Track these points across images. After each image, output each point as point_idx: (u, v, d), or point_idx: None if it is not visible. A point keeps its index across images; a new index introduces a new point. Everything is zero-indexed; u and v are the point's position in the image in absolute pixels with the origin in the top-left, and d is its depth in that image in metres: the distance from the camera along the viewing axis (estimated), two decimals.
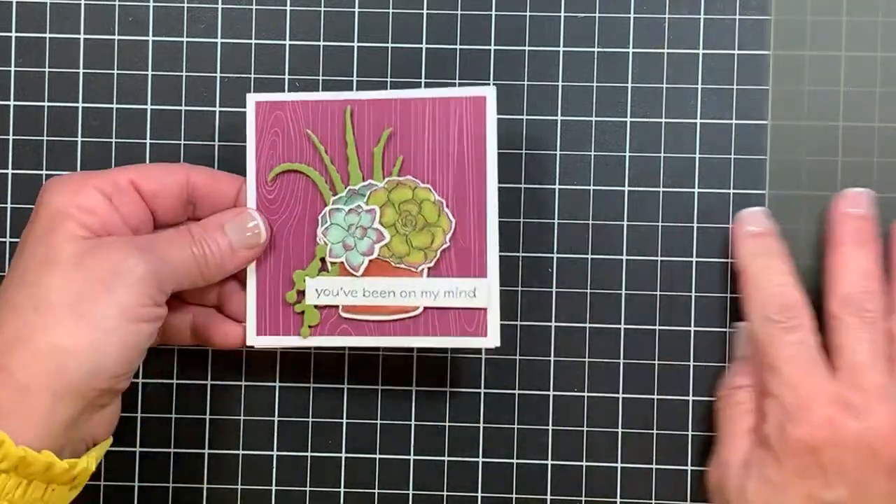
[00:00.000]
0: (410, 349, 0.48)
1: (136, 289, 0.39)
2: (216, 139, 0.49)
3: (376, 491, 0.49)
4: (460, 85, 0.48)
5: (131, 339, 0.39)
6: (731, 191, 0.48)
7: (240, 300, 0.45)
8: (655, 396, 0.48)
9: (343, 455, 0.49)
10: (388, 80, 0.49)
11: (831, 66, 0.48)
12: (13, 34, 0.49)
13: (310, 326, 0.44)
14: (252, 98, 0.44)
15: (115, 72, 0.49)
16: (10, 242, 0.49)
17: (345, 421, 0.49)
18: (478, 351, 0.48)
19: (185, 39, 0.49)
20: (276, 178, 0.44)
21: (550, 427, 0.48)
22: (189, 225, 0.43)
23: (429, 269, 0.44)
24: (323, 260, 0.44)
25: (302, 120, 0.44)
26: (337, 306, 0.44)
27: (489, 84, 0.44)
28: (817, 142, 0.48)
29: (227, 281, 0.45)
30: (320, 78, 0.49)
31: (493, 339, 0.44)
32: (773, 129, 0.48)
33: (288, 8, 0.49)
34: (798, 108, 0.48)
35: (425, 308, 0.44)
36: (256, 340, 0.45)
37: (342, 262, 0.44)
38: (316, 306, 0.44)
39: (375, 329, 0.44)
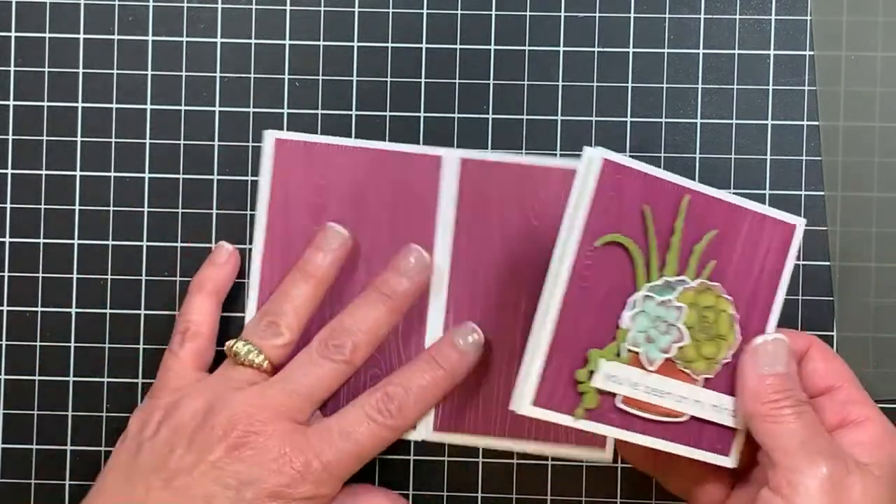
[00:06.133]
0: None
1: None
2: (216, 139, 0.49)
3: None
4: (461, 82, 0.49)
5: None
6: (732, 191, 0.48)
7: None
8: None
9: None
10: (388, 79, 0.49)
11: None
12: (13, 34, 0.49)
13: (585, 409, 0.41)
14: (599, 154, 0.40)
15: (115, 72, 0.49)
16: (10, 242, 0.49)
17: None
18: None
19: (185, 39, 0.49)
20: (598, 247, 0.40)
21: None
22: None
23: (706, 379, 0.42)
24: (619, 345, 0.41)
25: (640, 192, 0.41)
26: (614, 395, 0.41)
27: (801, 216, 0.44)
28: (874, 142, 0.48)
29: None
30: (320, 78, 0.49)
31: (733, 461, 0.43)
32: (825, 131, 0.48)
33: (288, 8, 0.49)
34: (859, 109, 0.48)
35: (691, 417, 0.42)
36: (529, 410, 0.40)
37: (637, 353, 0.41)
38: (598, 390, 0.41)
39: (641, 426, 0.42)
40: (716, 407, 0.42)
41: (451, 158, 0.47)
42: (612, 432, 0.41)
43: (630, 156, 0.48)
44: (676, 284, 0.41)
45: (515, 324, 0.46)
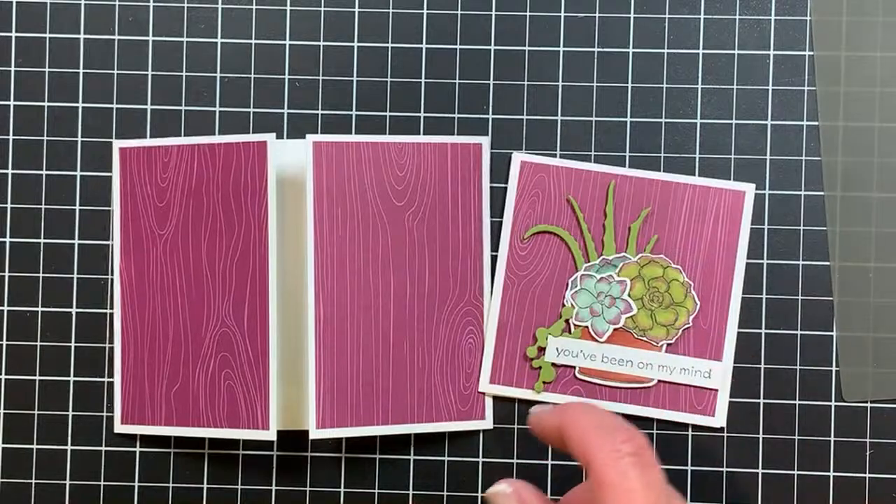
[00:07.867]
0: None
1: None
2: None
3: (376, 491, 0.49)
4: (461, 82, 0.49)
5: None
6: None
7: None
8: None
9: (343, 455, 0.49)
10: (388, 79, 0.49)
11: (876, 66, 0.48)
12: (13, 34, 0.49)
13: (544, 382, 0.46)
14: (518, 157, 0.47)
15: (115, 72, 0.49)
16: (10, 242, 0.49)
17: None
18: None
19: (185, 39, 0.49)
20: (531, 237, 0.47)
21: None
22: None
23: (668, 345, 0.46)
24: (567, 321, 0.46)
25: (564, 185, 0.46)
26: (573, 367, 0.46)
27: (751, 182, 0.47)
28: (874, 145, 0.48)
29: None
30: (320, 78, 0.49)
31: (720, 420, 0.46)
32: (825, 131, 0.48)
33: (288, 8, 0.49)
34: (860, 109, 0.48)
35: (659, 381, 0.46)
36: (489, 388, 0.47)
37: (587, 327, 0.46)
38: (553, 364, 0.46)
39: (607, 394, 0.46)
40: (686, 370, 0.46)
41: (287, 144, 0.47)
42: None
43: (630, 156, 0.48)
44: (616, 261, 0.46)
45: (386, 312, 0.47)
